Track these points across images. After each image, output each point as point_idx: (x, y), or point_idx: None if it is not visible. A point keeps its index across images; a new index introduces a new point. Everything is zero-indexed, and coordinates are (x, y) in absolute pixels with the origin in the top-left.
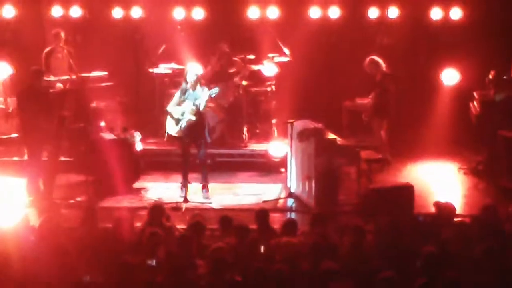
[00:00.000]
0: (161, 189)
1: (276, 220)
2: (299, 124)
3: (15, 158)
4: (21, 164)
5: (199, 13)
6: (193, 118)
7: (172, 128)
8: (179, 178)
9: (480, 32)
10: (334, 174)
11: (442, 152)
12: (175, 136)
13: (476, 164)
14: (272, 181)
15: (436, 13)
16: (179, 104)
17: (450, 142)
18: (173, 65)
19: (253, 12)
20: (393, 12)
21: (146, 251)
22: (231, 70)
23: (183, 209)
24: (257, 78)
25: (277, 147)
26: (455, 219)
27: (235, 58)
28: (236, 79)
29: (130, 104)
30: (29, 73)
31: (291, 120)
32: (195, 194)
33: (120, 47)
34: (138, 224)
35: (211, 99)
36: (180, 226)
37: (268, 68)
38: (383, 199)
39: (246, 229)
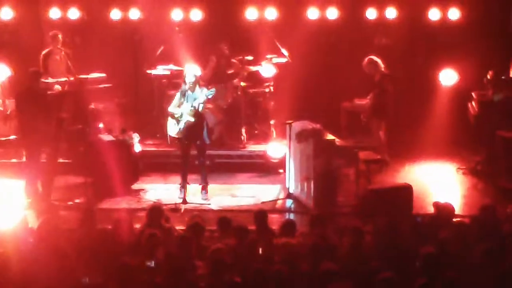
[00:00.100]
0: (160, 191)
1: (275, 221)
2: (297, 125)
3: (14, 160)
4: (20, 166)
5: (197, 15)
6: (192, 119)
7: (172, 130)
8: (178, 179)
9: (478, 33)
10: (333, 175)
11: (441, 152)
12: (174, 137)
13: (474, 164)
14: (270, 182)
15: (434, 14)
16: (179, 105)
17: (448, 142)
18: (172, 67)
19: (251, 13)
20: (391, 13)
21: (145, 252)
22: (230, 71)
23: (182, 210)
24: (255, 79)
25: (276, 148)
26: (454, 220)
27: (233, 60)
28: (235, 81)
29: (128, 106)
30: (27, 74)
31: (290, 121)
32: (194, 195)
33: (119, 48)
34: (138, 226)
35: (209, 100)
36: (179, 227)
37: (267, 69)
38: (381, 200)
39: (245, 230)
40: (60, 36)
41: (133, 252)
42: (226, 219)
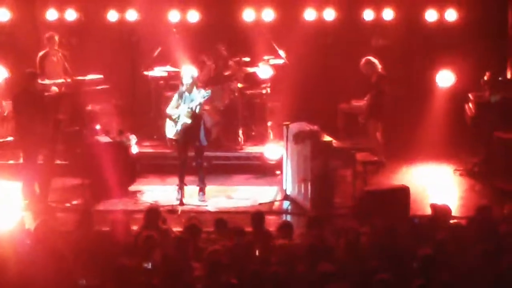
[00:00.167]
0: (157, 192)
1: (272, 222)
2: (294, 127)
3: (11, 162)
4: (17, 168)
5: (194, 16)
6: (189, 121)
7: (169, 131)
8: (175, 181)
9: (475, 34)
10: (330, 176)
11: (438, 153)
12: (172, 139)
13: (472, 165)
14: (267, 184)
15: (431, 15)
16: (176, 107)
17: (445, 143)
18: (169, 68)
19: (248, 15)
20: (388, 14)
21: (142, 254)
22: (227, 73)
23: (179, 212)
24: (252, 80)
25: (273, 150)
26: (451, 221)
27: (230, 62)
28: (232, 85)
29: (125, 107)
30: (23, 75)
31: (287, 123)
32: (191, 197)
33: (116, 50)
34: (135, 227)
35: (206, 101)
36: (176, 229)
37: (264, 71)
38: (379, 201)
39: (241, 231)
40: (56, 37)
41: (130, 254)
42: (222, 221)
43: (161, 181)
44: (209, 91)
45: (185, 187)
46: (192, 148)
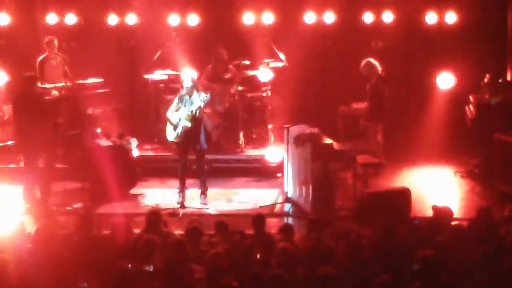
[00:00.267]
0: (158, 195)
1: (272, 225)
2: (295, 129)
3: (12, 166)
4: (18, 172)
5: (194, 19)
6: (189, 124)
7: (170, 134)
8: (175, 184)
9: (475, 36)
10: (331, 178)
11: (438, 155)
12: (172, 142)
13: (472, 167)
14: (268, 186)
15: (431, 17)
16: (176, 110)
17: (446, 145)
18: (168, 71)
19: (248, 18)
20: (388, 17)
21: (143, 257)
22: (227, 76)
23: (181, 214)
24: (252, 83)
25: (274, 152)
26: (452, 223)
27: (230, 66)
28: (233, 88)
29: (125, 111)
30: (22, 79)
31: (287, 125)
32: (192, 200)
33: (115, 53)
34: (137, 231)
35: (206, 104)
36: (178, 231)
37: (264, 74)
38: (380, 204)
39: (242, 234)
40: (55, 41)
41: (131, 257)
42: (223, 224)
43: (161, 184)
44: (208, 95)
45: (186, 190)
46: (192, 151)
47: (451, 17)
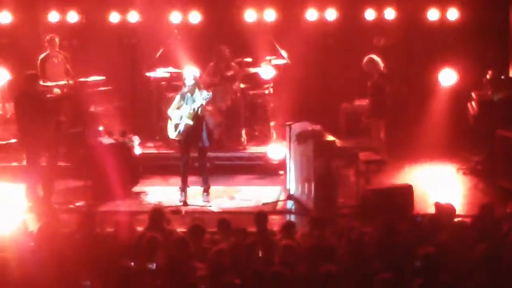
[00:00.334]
0: (161, 193)
1: (275, 222)
2: (297, 126)
3: (14, 164)
4: (20, 170)
5: (195, 17)
6: (191, 122)
7: (171, 132)
8: (178, 181)
9: (477, 32)
10: (333, 176)
11: (441, 152)
12: (174, 140)
13: (474, 164)
14: (271, 184)
15: (432, 14)
16: (178, 108)
17: (448, 142)
18: (170, 69)
19: (250, 15)
20: (389, 14)
21: (146, 255)
22: (229, 73)
23: (183, 212)
24: (255, 81)
25: (276, 150)
26: (455, 220)
27: (232, 63)
28: (235, 85)
29: (127, 108)
30: (23, 78)
31: (290, 123)
32: (195, 198)
33: (117, 51)
34: (140, 228)
35: (208, 102)
36: (180, 229)
37: (266, 71)
38: (382, 201)
39: (244, 231)
40: (57, 39)
41: (133, 255)
42: (225, 221)
43: (164, 182)
44: (210, 93)
45: (188, 188)
46: (194, 149)
47: (453, 14)
